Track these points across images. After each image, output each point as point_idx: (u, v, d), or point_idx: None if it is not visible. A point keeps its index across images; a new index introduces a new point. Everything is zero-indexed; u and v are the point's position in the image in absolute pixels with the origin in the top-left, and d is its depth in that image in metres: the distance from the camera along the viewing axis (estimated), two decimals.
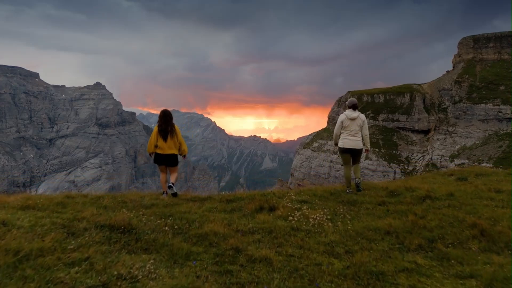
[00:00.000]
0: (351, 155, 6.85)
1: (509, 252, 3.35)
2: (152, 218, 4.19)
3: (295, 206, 5.01)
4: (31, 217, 3.53)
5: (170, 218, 4.24)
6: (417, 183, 6.78)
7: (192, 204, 5.37)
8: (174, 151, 6.73)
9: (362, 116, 6.92)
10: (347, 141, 6.74)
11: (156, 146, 6.69)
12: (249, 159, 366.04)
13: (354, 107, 7.04)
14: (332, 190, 6.37)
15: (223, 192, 6.83)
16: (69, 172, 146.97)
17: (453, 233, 3.83)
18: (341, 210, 4.90)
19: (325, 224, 4.11)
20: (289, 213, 4.51)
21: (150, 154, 6.77)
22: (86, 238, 3.12)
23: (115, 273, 2.41)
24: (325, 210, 4.81)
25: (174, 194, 6.30)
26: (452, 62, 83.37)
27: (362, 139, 6.81)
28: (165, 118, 6.67)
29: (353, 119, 6.78)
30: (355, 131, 6.72)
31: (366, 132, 6.87)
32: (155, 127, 6.84)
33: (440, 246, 3.48)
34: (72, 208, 4.35)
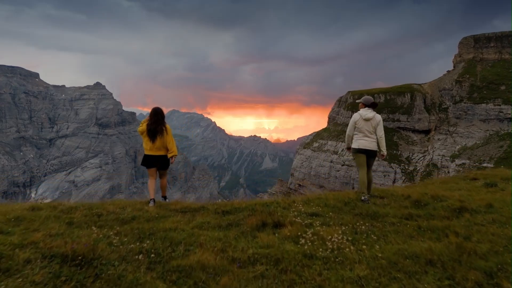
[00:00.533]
0: (366, 157, 6.16)
1: None
2: (126, 239, 3.28)
3: (305, 221, 4.12)
4: None
5: (150, 239, 3.33)
6: (442, 190, 5.86)
7: (181, 217, 4.48)
8: (164, 152, 6.14)
9: (378, 116, 6.21)
10: (362, 141, 6.11)
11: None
12: (249, 159, 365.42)
13: (373, 105, 6.36)
14: (346, 198, 5.46)
15: (220, 200, 5.99)
16: (69, 172, 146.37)
17: None
18: (362, 227, 3.95)
19: (346, 249, 3.17)
20: (299, 233, 3.57)
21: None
22: (20, 280, 2.21)
23: None
24: (343, 227, 3.90)
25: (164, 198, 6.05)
26: (453, 61, 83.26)
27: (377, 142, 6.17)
28: (156, 116, 6.02)
29: (367, 120, 6.09)
30: (369, 132, 6.10)
31: (382, 133, 6.19)
32: (143, 124, 6.13)
33: (506, 284, 2.58)
34: (26, 226, 3.45)
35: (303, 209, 4.71)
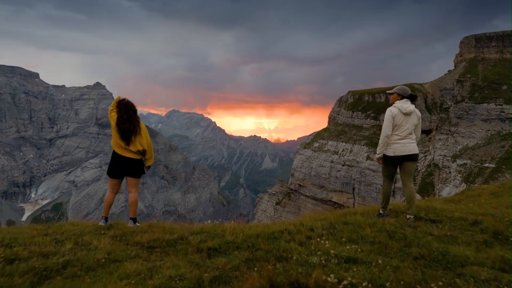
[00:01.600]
0: (400, 166, 4.94)
1: None
2: None
3: (339, 273, 2.61)
4: None
5: None
6: (448, 206, 5.04)
7: (142, 262, 3.01)
8: (138, 156, 4.80)
9: (418, 111, 4.96)
10: (398, 146, 4.81)
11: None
12: (249, 159, 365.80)
13: (411, 97, 5.00)
14: (387, 226, 4.06)
15: (208, 222, 4.93)
16: (69, 172, 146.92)
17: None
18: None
19: None
20: None
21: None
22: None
23: None
24: None
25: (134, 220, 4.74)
26: (454, 61, 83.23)
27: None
28: (128, 113, 4.69)
29: (408, 114, 4.85)
30: (408, 131, 4.83)
31: (419, 134, 5.00)
32: (113, 114, 4.73)
33: None
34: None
35: (331, 248, 3.16)
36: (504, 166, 54.29)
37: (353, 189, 64.63)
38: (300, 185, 73.47)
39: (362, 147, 69.43)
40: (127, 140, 4.65)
